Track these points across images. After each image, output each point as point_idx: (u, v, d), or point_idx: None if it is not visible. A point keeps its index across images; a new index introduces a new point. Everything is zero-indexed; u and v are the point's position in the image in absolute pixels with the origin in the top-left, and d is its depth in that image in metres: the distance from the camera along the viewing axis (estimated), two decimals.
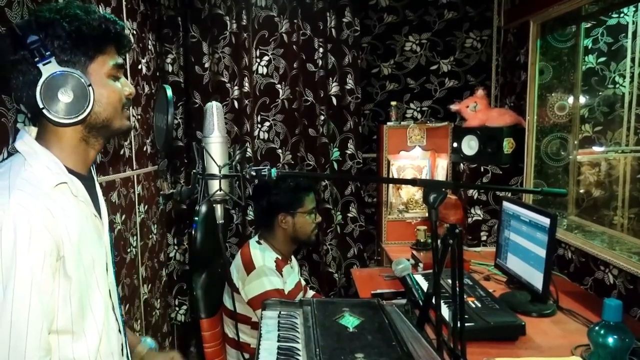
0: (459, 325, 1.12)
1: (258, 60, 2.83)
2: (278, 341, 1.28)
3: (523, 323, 1.51)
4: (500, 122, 2.45)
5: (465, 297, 1.60)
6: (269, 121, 2.87)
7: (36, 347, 0.86)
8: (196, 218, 1.81)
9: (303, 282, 2.23)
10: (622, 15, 2.17)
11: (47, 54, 0.90)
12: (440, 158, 2.82)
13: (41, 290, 0.86)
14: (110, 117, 1.00)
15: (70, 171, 0.98)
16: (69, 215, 0.92)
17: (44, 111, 0.91)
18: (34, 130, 0.99)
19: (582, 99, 2.33)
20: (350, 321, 1.35)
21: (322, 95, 2.81)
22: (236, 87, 2.79)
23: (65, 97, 0.91)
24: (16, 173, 0.91)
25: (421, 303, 1.43)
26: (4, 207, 0.84)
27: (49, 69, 0.90)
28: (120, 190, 2.21)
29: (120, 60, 1.02)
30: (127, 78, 2.28)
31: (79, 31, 0.92)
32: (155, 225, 2.70)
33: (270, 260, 1.96)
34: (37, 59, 0.90)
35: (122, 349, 1.11)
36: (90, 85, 0.93)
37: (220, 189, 1.07)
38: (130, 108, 1.07)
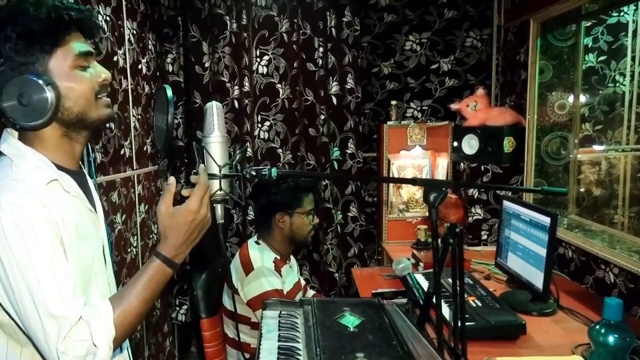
0: (459, 324, 1.12)
1: (258, 59, 2.83)
2: (279, 341, 1.28)
3: (523, 322, 1.51)
4: (500, 121, 2.45)
5: (465, 296, 1.60)
6: (269, 121, 2.87)
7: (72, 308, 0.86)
8: None
9: (303, 282, 2.23)
10: (622, 14, 2.17)
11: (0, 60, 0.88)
12: (440, 157, 2.82)
13: (62, 269, 0.87)
14: (84, 109, 0.96)
15: (60, 167, 0.96)
16: (63, 211, 0.92)
17: (10, 120, 0.89)
18: (16, 132, 0.97)
19: (583, 98, 2.33)
20: (350, 321, 1.35)
21: (322, 94, 2.81)
22: (236, 87, 2.79)
23: (25, 101, 0.88)
24: (4, 175, 0.90)
25: (422, 302, 1.43)
26: None
27: (2, 77, 0.88)
28: (121, 190, 2.21)
29: (85, 48, 0.96)
30: (127, 78, 2.29)
31: (28, 29, 0.88)
32: (156, 225, 2.69)
33: (268, 261, 1.96)
34: None
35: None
36: (49, 84, 0.89)
37: (221, 189, 1.07)
38: (106, 95, 1.01)
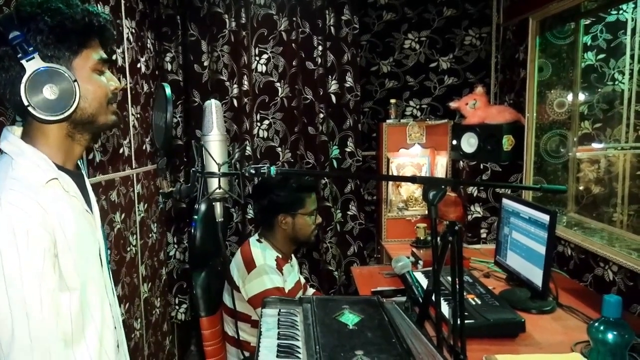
0: (458, 322, 1.12)
1: (257, 58, 2.82)
2: (278, 339, 1.28)
3: (523, 320, 1.51)
4: (499, 120, 2.45)
5: (465, 294, 1.60)
6: (268, 119, 2.87)
7: (58, 339, 0.87)
8: (195, 217, 1.80)
9: (303, 280, 2.23)
10: (621, 12, 2.17)
11: (30, 49, 0.88)
12: (439, 155, 2.82)
13: (49, 286, 0.87)
14: (96, 112, 0.98)
15: (59, 167, 0.96)
16: (61, 212, 0.91)
17: (29, 108, 0.89)
18: (18, 129, 0.98)
19: (582, 96, 2.33)
20: (350, 319, 1.35)
21: (321, 93, 2.81)
22: (235, 86, 2.78)
23: (50, 93, 0.89)
24: (4, 173, 0.90)
25: (421, 300, 1.43)
26: None
27: (33, 65, 0.88)
28: (120, 189, 2.21)
29: (104, 55, 0.99)
30: (125, 77, 2.29)
31: (62, 25, 0.90)
32: (155, 224, 2.69)
33: (270, 259, 1.96)
34: (20, 55, 0.88)
35: (117, 346, 1.10)
36: (75, 80, 0.91)
37: (220, 187, 1.07)
38: (115, 103, 1.04)
